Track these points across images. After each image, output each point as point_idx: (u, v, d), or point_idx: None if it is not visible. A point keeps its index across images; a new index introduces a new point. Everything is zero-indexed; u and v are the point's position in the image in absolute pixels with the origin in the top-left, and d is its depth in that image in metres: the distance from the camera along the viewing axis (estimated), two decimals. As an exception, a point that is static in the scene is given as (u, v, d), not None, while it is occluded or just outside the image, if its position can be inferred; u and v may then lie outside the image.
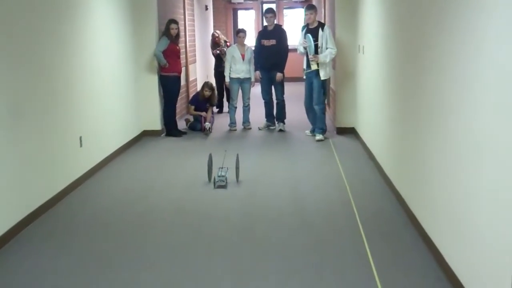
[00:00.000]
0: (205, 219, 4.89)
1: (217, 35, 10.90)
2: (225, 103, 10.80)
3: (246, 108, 9.12)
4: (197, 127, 8.91)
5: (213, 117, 9.29)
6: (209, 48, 11.68)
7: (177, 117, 8.91)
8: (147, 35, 8.31)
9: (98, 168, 6.47)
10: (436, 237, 3.93)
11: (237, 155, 5.95)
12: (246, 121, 9.15)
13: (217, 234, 4.53)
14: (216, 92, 9.47)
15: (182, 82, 9.50)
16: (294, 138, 8.27)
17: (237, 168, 5.86)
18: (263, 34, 8.87)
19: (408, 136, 4.74)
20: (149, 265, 3.96)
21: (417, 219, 4.41)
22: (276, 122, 8.96)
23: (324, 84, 8.10)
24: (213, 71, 11.21)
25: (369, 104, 6.85)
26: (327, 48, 7.76)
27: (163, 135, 8.62)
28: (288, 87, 9.25)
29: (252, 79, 9.02)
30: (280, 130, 8.80)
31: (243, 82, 9.01)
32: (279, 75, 8.67)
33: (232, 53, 8.94)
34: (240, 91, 9.09)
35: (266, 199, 5.40)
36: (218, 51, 10.66)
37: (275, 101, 8.93)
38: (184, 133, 8.73)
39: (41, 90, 5.08)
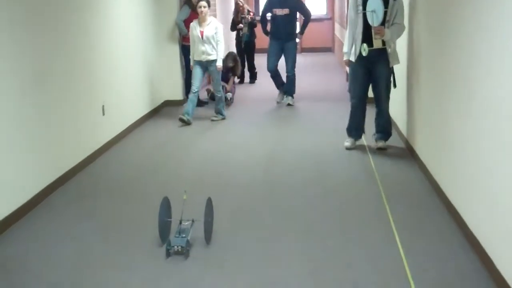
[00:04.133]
0: (225, 187, 4.92)
1: (241, 4, 10.75)
2: (246, 74, 10.80)
3: (218, 98, 7.51)
4: (219, 97, 8.89)
5: (234, 87, 9.28)
6: (230, 17, 11.59)
7: (198, 87, 8.91)
8: (169, 4, 8.29)
9: (120, 136, 6.52)
10: (458, 203, 3.91)
11: (208, 199, 3.78)
12: (218, 112, 7.56)
13: (238, 202, 4.56)
14: (239, 63, 9.43)
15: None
16: (313, 110, 8.22)
17: (206, 221, 3.69)
18: (275, 2, 8.26)
19: (431, 102, 4.69)
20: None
21: (439, 185, 4.40)
22: (284, 96, 8.56)
23: (393, 73, 5.62)
24: (234, 41, 11.15)
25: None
26: (392, 24, 5.36)
27: (184, 104, 8.63)
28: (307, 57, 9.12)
29: (218, 63, 7.29)
30: (288, 104, 8.37)
31: (209, 66, 7.33)
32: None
33: (192, 31, 7.31)
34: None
35: (289, 168, 5.40)
36: (241, 20, 10.51)
37: (284, 75, 8.48)
38: (206, 103, 8.74)
39: (65, 59, 5.11)
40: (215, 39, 7.20)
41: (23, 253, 3.68)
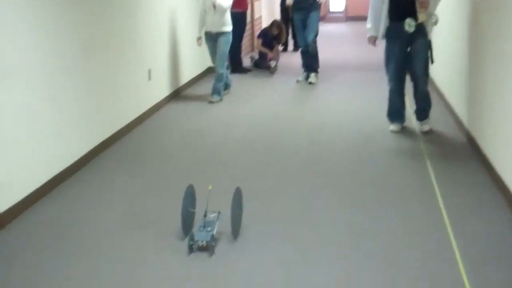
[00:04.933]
0: (271, 152, 4.96)
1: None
2: (290, 41, 10.72)
3: (219, 75, 6.80)
4: (262, 65, 8.88)
5: (278, 55, 9.23)
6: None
7: (242, 54, 8.89)
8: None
9: (165, 101, 6.60)
10: (499, 167, 3.85)
11: (237, 189, 3.40)
12: (214, 92, 6.79)
13: (283, 167, 4.59)
14: (284, 30, 9.36)
15: (247, 19, 9.42)
16: (357, 81, 8.13)
17: (235, 213, 3.31)
18: None
19: (495, 88, 4.57)
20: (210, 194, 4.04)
21: (481, 149, 4.36)
22: (306, 73, 7.82)
23: (431, 48, 5.12)
24: (279, 7, 11.05)
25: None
26: None
27: (228, 71, 8.64)
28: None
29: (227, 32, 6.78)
30: (310, 83, 7.61)
31: (218, 38, 6.76)
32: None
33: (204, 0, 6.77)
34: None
35: (331, 137, 5.38)
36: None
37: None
38: (249, 70, 8.74)
39: (112, 25, 5.16)
40: (226, 8, 6.66)
41: (68, 212, 3.78)
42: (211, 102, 6.71)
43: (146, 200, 3.98)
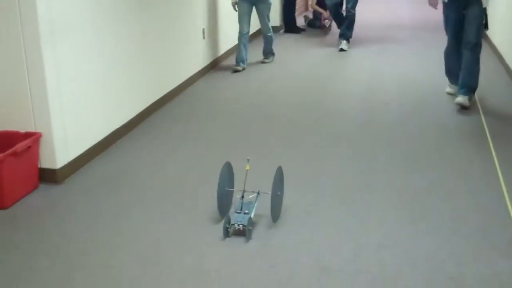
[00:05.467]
0: (325, 111, 4.94)
1: None
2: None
3: (268, 39, 6.72)
4: (316, 24, 8.77)
5: (332, 14, 9.07)
6: None
7: (296, 13, 8.78)
8: None
9: (219, 60, 6.62)
10: None
11: (279, 168, 3.12)
12: (266, 53, 6.83)
13: (337, 127, 4.57)
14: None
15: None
16: (417, 40, 7.91)
17: (276, 195, 3.02)
18: None
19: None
20: (268, 152, 4.06)
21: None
22: (339, 39, 7.52)
23: (486, 14, 4.93)
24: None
25: None
26: None
27: (281, 31, 8.57)
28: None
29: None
30: (341, 50, 7.31)
31: (258, 2, 6.43)
32: None
33: None
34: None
35: (387, 98, 5.30)
36: None
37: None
38: (303, 29, 8.63)
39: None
40: None
41: (122, 169, 3.87)
42: (264, 62, 6.73)
43: (195, 165, 4.03)
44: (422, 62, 6.57)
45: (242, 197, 3.05)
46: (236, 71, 6.31)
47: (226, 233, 2.92)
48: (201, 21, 6.04)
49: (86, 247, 2.87)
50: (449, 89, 5.33)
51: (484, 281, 2.56)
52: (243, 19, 6.36)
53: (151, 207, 3.30)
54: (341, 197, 3.40)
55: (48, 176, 3.59)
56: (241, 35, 6.34)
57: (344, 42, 7.39)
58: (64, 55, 3.61)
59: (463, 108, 4.86)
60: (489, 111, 4.82)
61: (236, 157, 3.48)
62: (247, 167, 3.05)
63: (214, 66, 6.46)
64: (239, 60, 6.37)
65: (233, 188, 3.21)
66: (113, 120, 4.28)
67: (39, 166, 3.57)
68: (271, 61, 6.76)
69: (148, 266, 2.69)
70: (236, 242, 2.91)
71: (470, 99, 4.93)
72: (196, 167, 3.87)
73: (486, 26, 4.96)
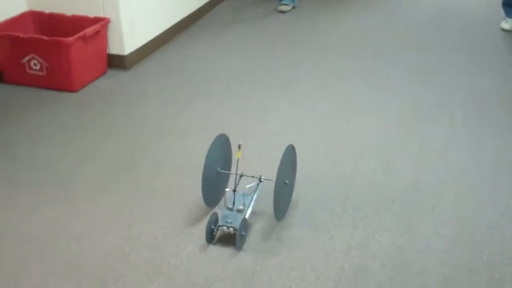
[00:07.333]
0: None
1: None
2: None
3: None
4: None
5: None
6: None
7: None
8: None
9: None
10: None
11: (289, 147, 2.16)
12: None
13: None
14: None
15: None
16: None
17: (281, 184, 2.10)
18: None
19: None
20: (332, 53, 3.97)
21: None
22: None
23: None
24: None
25: None
26: None
27: None
28: None
29: None
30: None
31: None
32: None
33: None
34: None
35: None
36: None
37: None
38: None
39: None
40: None
41: (190, 59, 3.88)
42: (281, 11, 5.09)
43: (261, 58, 3.98)
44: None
45: (234, 191, 2.19)
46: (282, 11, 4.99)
47: (211, 237, 2.09)
48: None
49: (154, 131, 2.94)
50: (504, 24, 4.49)
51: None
52: None
53: (217, 96, 3.32)
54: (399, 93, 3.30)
55: (117, 62, 3.64)
56: None
57: None
58: None
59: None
60: None
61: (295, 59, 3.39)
62: (239, 155, 2.16)
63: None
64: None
65: (229, 170, 2.36)
66: (175, 13, 4.24)
67: (107, 52, 3.62)
68: (290, 8, 5.05)
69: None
70: (222, 253, 2.04)
71: None
72: (262, 60, 3.84)
73: None
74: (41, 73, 3.35)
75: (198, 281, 1.89)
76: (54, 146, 2.79)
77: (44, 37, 3.26)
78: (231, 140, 2.32)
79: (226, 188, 2.27)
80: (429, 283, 1.89)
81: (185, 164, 2.61)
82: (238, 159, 2.17)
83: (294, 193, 2.34)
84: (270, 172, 2.21)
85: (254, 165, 2.53)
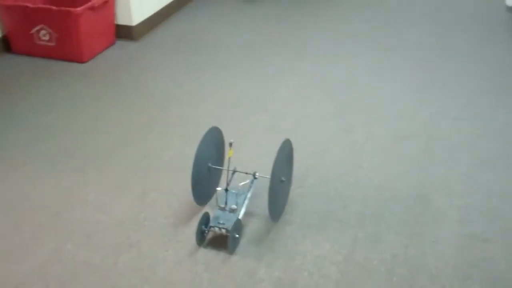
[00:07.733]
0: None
1: None
2: None
3: None
4: None
5: None
6: None
7: None
8: None
9: None
10: None
11: (285, 141, 1.97)
12: None
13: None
14: None
15: None
16: None
17: (277, 182, 1.90)
18: None
19: None
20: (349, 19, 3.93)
21: None
22: None
23: None
24: None
25: None
26: None
27: None
28: None
29: None
30: None
31: None
32: None
33: None
34: None
35: None
36: None
37: None
38: None
39: None
40: None
41: (192, 29, 3.86)
42: None
43: (271, 29, 3.94)
44: None
45: (226, 190, 1.99)
46: None
47: (202, 239, 1.94)
48: None
49: (162, 100, 2.93)
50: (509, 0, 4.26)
51: None
52: None
53: (225, 66, 3.30)
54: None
55: (125, 33, 3.62)
56: None
57: None
58: None
59: None
60: None
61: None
62: (230, 153, 1.99)
63: None
64: None
65: (222, 165, 2.18)
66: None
67: (115, 22, 3.59)
68: None
69: (221, 121, 2.74)
70: (213, 257, 1.88)
71: None
72: (273, 29, 3.81)
73: None
74: (50, 44, 3.33)
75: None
76: (62, 116, 2.78)
77: (53, 7, 3.23)
78: (241, 103, 2.31)
79: (217, 186, 2.11)
80: (444, 251, 1.90)
81: (194, 133, 2.61)
82: (229, 158, 2.00)
83: (291, 192, 2.16)
84: (265, 168, 2.08)
85: (262, 140, 2.52)
